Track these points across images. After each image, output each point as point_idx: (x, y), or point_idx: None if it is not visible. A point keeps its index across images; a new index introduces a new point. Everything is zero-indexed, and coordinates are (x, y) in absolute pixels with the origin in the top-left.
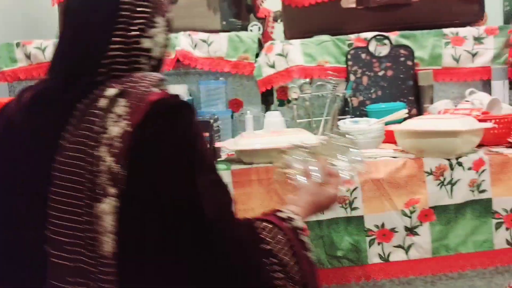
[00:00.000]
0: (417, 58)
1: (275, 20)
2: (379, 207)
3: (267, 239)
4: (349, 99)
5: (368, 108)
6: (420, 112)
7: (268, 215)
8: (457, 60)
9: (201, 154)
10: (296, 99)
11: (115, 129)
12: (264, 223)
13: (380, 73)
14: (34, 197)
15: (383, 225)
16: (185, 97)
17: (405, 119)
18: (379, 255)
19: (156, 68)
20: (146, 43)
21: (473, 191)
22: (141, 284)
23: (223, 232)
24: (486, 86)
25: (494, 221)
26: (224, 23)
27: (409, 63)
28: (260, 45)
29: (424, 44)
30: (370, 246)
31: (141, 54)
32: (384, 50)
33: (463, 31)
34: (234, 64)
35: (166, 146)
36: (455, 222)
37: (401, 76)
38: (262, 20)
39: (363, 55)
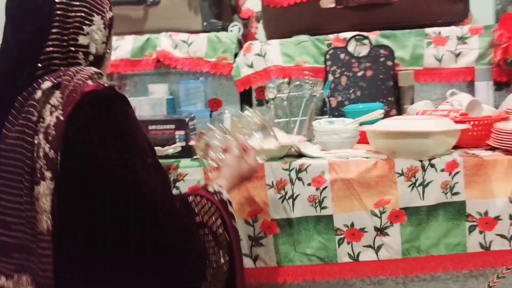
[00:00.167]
0: (397, 59)
1: (257, 20)
2: (348, 207)
3: (200, 212)
4: (326, 99)
5: (345, 108)
6: (400, 113)
7: (199, 190)
8: (439, 60)
9: (133, 140)
10: (273, 99)
11: (50, 119)
12: (196, 198)
13: (359, 74)
14: None
15: (352, 224)
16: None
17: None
18: (349, 254)
19: (95, 63)
20: (82, 40)
21: (445, 193)
22: (77, 260)
23: (159, 207)
24: (471, 87)
25: (468, 224)
26: (205, 23)
27: (389, 63)
28: (240, 46)
29: (405, 44)
30: (339, 245)
31: (78, 50)
32: (363, 50)
33: (446, 30)
34: (213, 64)
35: (96, 133)
36: (427, 224)
37: (381, 76)
38: (247, 21)
39: (342, 55)
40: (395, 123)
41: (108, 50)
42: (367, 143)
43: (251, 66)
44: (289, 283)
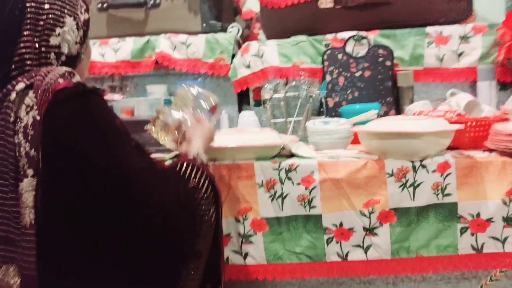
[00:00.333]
0: (397, 59)
1: (258, 21)
2: (337, 207)
3: (191, 177)
4: (323, 100)
5: (341, 109)
6: (398, 113)
7: (181, 158)
8: (440, 60)
9: (111, 129)
10: (269, 99)
11: (27, 118)
12: (183, 166)
13: (357, 74)
14: None
15: (341, 224)
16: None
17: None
18: (337, 253)
19: (68, 63)
20: (53, 40)
21: (437, 195)
22: (62, 254)
23: (148, 189)
24: (473, 87)
25: (459, 225)
26: (204, 25)
27: (388, 63)
28: (239, 46)
29: (405, 44)
30: (328, 244)
31: (50, 50)
32: (362, 50)
33: (447, 29)
34: (211, 66)
35: (73, 129)
36: (417, 225)
37: (379, 76)
38: (249, 22)
39: (340, 56)
40: (386, 124)
41: (83, 50)
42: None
43: (248, 66)
44: (278, 280)
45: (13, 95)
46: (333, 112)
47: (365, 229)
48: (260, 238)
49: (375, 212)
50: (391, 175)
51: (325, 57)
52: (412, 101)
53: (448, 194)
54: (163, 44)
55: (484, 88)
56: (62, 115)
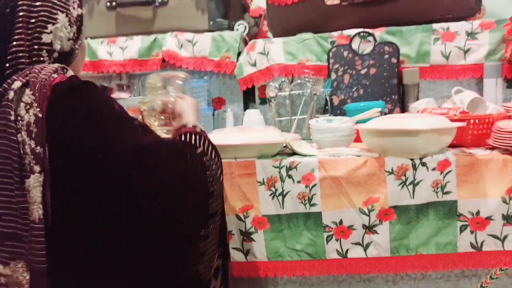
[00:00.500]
0: (403, 56)
1: (266, 18)
2: (337, 204)
3: (197, 144)
4: (328, 98)
5: (346, 107)
6: (404, 111)
7: (181, 130)
8: (447, 57)
9: (108, 118)
10: (274, 97)
11: (28, 116)
12: (188, 135)
13: (363, 71)
14: None
15: (341, 222)
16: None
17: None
18: (337, 251)
19: (62, 60)
20: (45, 38)
21: (436, 192)
22: (71, 248)
23: (164, 153)
24: (480, 85)
25: (459, 223)
26: (211, 23)
27: (394, 60)
28: (246, 44)
29: (411, 41)
30: (327, 242)
31: (42, 48)
32: (368, 48)
33: (454, 26)
34: (217, 63)
35: (70, 124)
36: (417, 223)
37: (385, 74)
38: (258, 19)
39: (345, 53)
40: (387, 122)
41: (77, 46)
42: None
43: (254, 64)
44: (279, 277)
45: (11, 94)
46: (338, 110)
47: (364, 226)
48: (261, 235)
49: (375, 210)
50: (391, 173)
51: (331, 54)
52: (417, 99)
53: (448, 192)
54: (170, 43)
55: (490, 85)
56: (60, 112)
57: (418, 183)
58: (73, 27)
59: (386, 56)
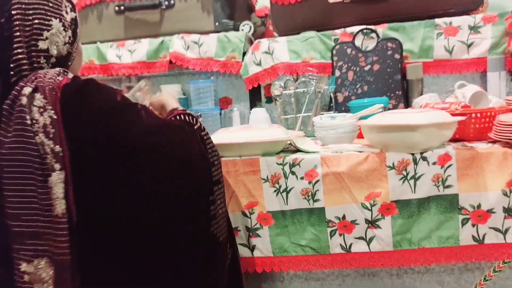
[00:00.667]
0: (406, 51)
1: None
2: (339, 200)
3: (192, 121)
4: (332, 95)
5: (350, 103)
6: (408, 106)
7: (174, 112)
8: (450, 51)
9: (117, 106)
10: (279, 95)
11: (43, 119)
12: (182, 115)
13: (366, 68)
14: None
15: (344, 217)
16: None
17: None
18: (341, 245)
19: (59, 64)
20: (42, 44)
21: (437, 186)
22: (96, 240)
23: (170, 131)
24: (484, 78)
25: (461, 217)
26: (217, 24)
27: (397, 56)
28: (251, 44)
29: (414, 36)
30: (331, 237)
31: (39, 54)
32: (371, 44)
33: (457, 20)
34: (223, 64)
35: (87, 117)
36: (418, 217)
37: (388, 70)
38: (264, 18)
39: (349, 50)
40: (387, 117)
41: (74, 49)
42: None
43: (259, 64)
44: (285, 272)
45: (24, 99)
46: (343, 106)
47: (367, 221)
48: (266, 231)
49: (377, 204)
50: (392, 167)
51: (334, 52)
52: (421, 94)
53: (449, 186)
54: (177, 44)
55: (494, 79)
56: (73, 111)
57: (419, 177)
58: (68, 31)
59: (390, 52)
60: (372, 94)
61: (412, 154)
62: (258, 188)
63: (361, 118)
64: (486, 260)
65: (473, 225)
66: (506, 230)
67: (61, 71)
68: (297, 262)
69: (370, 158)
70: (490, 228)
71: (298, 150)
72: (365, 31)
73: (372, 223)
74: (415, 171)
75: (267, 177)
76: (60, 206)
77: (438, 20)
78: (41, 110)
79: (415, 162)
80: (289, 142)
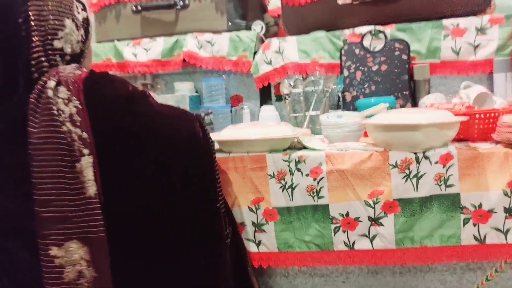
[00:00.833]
0: (413, 52)
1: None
2: (343, 197)
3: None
4: (340, 94)
5: (357, 103)
6: (415, 106)
7: None
8: (457, 52)
9: (131, 93)
10: (288, 94)
11: (69, 109)
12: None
13: (374, 68)
14: (14, 182)
15: (347, 214)
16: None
17: None
18: (344, 242)
19: (73, 61)
20: (57, 43)
21: (439, 185)
22: (125, 218)
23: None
24: (490, 80)
25: (463, 216)
26: (229, 24)
27: (404, 57)
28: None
29: (421, 37)
30: (335, 234)
31: (55, 53)
32: (379, 45)
33: (464, 22)
34: (234, 63)
35: (108, 105)
36: (420, 215)
37: (396, 70)
38: (277, 19)
39: (357, 50)
40: (390, 116)
41: (86, 46)
42: None
43: (269, 63)
44: (290, 268)
45: (50, 92)
46: (351, 105)
47: (370, 219)
48: (272, 227)
49: (380, 202)
50: (395, 166)
51: (343, 52)
52: (428, 94)
53: (450, 185)
54: (190, 43)
55: (500, 80)
56: (96, 101)
57: (421, 176)
58: (80, 30)
59: (397, 53)
60: (380, 93)
61: (415, 153)
62: (265, 184)
63: (367, 117)
64: (488, 260)
65: (474, 225)
66: (507, 231)
67: (78, 66)
68: (302, 258)
69: (374, 157)
70: (491, 228)
71: (304, 148)
72: (373, 32)
73: (375, 220)
74: (417, 170)
75: (274, 173)
76: (92, 188)
77: (445, 22)
78: (66, 101)
79: (418, 161)
80: (296, 140)
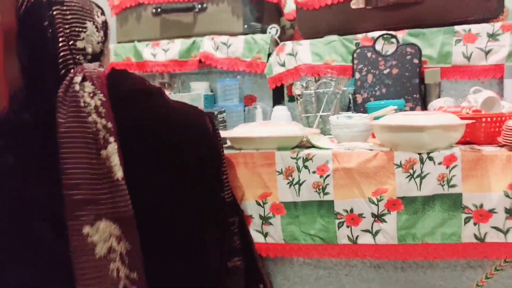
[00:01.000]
0: (425, 56)
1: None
2: (348, 194)
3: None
4: (351, 96)
5: (367, 105)
6: (425, 109)
7: None
8: (468, 58)
9: (150, 89)
10: (300, 95)
11: (94, 101)
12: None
13: (385, 71)
14: (42, 171)
15: (351, 210)
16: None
17: None
18: (348, 237)
19: (94, 60)
20: (79, 44)
21: (442, 185)
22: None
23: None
24: (501, 85)
25: (464, 215)
26: (245, 26)
27: (416, 61)
28: (277, 45)
29: (433, 42)
30: (339, 228)
31: (79, 53)
32: (391, 49)
33: (476, 28)
34: (249, 64)
35: (128, 99)
36: (423, 213)
37: (407, 74)
38: (293, 22)
39: (369, 54)
40: (397, 118)
41: (105, 47)
42: None
43: (283, 65)
44: (295, 258)
45: (77, 86)
46: (362, 107)
47: (373, 215)
48: (279, 220)
49: (383, 200)
50: (399, 166)
51: (355, 55)
52: (439, 98)
53: (453, 185)
54: (207, 45)
55: (510, 85)
56: (118, 95)
57: (425, 176)
58: (100, 32)
59: (409, 57)
60: (390, 96)
61: (419, 154)
62: (273, 180)
63: (375, 118)
64: (487, 258)
65: (475, 224)
66: (508, 230)
67: (99, 64)
68: (307, 250)
69: (379, 156)
70: (491, 227)
71: (312, 146)
72: (385, 36)
73: (378, 217)
74: (421, 170)
75: (282, 170)
76: (119, 172)
77: (457, 27)
78: (91, 94)
79: (422, 161)
80: (305, 138)
